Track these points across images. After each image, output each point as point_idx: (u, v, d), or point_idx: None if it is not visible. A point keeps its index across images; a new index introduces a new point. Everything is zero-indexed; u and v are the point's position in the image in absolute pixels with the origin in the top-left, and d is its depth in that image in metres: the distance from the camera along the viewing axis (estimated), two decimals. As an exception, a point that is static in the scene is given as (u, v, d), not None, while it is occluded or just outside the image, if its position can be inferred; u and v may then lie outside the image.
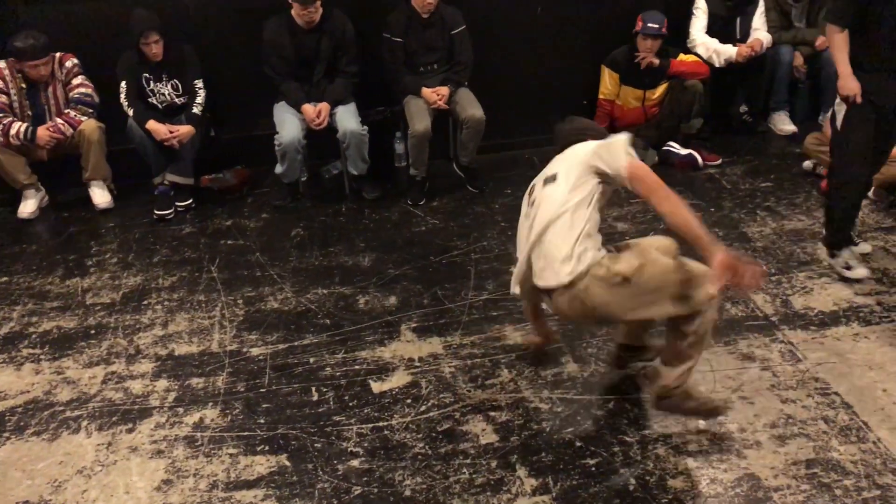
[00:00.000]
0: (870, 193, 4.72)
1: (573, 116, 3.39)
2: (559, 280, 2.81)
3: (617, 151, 2.84)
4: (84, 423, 3.29)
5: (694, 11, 5.59)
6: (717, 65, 5.48)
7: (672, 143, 5.43)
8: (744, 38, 5.59)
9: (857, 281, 3.94)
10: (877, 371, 3.34)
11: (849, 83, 3.73)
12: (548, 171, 3.05)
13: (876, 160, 3.99)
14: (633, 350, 3.33)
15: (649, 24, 5.18)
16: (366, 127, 4.98)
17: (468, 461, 2.98)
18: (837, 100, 3.84)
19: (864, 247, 4.20)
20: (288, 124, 4.90)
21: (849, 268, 3.98)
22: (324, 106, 4.95)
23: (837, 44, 3.77)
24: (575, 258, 2.78)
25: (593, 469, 2.91)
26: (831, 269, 4.05)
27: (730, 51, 5.46)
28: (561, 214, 2.84)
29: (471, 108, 5.01)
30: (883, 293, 3.87)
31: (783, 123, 5.82)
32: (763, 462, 2.90)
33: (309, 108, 4.93)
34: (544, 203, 2.93)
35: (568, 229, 2.82)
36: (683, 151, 5.37)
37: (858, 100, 3.73)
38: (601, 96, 5.49)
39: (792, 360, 3.43)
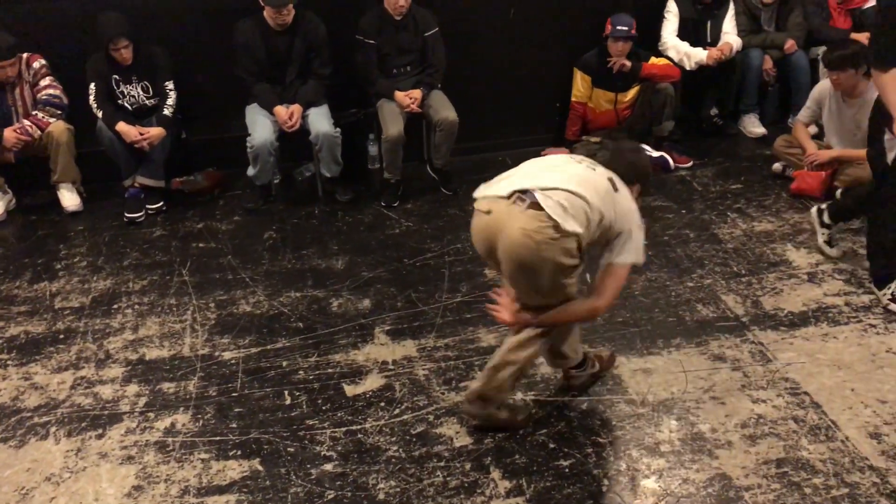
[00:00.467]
0: (837, 194, 4.79)
1: (638, 146, 3.39)
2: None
3: (630, 250, 2.83)
4: (52, 430, 3.25)
5: (665, 15, 5.64)
6: (688, 68, 5.52)
7: (644, 146, 5.45)
8: (714, 41, 5.64)
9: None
10: (845, 371, 3.38)
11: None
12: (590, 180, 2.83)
13: None
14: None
15: (618, 27, 5.21)
16: (338, 129, 4.97)
17: (442, 464, 2.97)
18: (888, 135, 3.64)
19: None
20: (260, 126, 4.87)
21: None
22: (296, 108, 4.92)
23: (891, 86, 3.46)
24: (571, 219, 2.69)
25: (567, 470, 2.92)
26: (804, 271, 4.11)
27: (700, 54, 5.51)
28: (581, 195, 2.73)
29: (444, 110, 5.01)
30: (851, 293, 3.93)
31: (753, 126, 5.89)
32: (734, 462, 2.92)
33: (281, 110, 4.90)
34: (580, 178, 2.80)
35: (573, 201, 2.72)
36: (655, 153, 5.41)
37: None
38: (574, 99, 5.52)
39: (762, 361, 3.47)
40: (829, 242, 4.28)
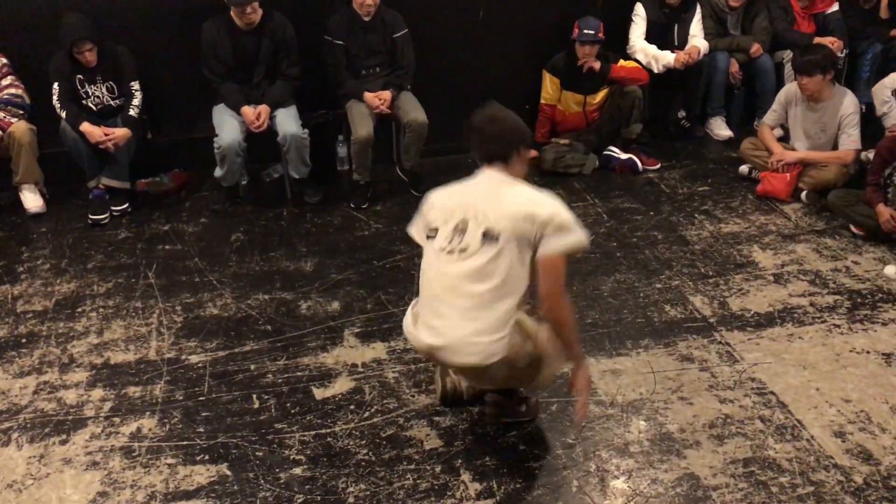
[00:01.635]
0: (802, 196, 4.86)
1: (493, 104, 3.04)
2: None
3: (567, 239, 2.69)
4: (14, 436, 3.18)
5: (633, 18, 5.68)
6: (655, 70, 5.57)
7: (612, 148, 5.50)
8: (681, 44, 5.70)
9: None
10: (810, 370, 3.43)
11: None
12: (481, 210, 2.75)
13: None
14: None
15: (585, 31, 5.24)
16: (306, 130, 4.93)
17: (412, 466, 2.96)
18: None
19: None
20: (227, 127, 4.82)
21: None
22: (263, 108, 4.88)
23: None
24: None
25: (537, 472, 2.92)
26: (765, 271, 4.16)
27: (668, 57, 5.56)
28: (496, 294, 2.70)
29: (413, 111, 5.00)
30: (815, 294, 3.98)
31: (720, 128, 5.95)
32: (702, 461, 2.95)
33: (248, 111, 4.86)
34: (481, 270, 2.71)
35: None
36: (623, 156, 5.45)
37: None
38: (542, 101, 5.53)
39: (729, 361, 3.50)
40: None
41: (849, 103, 4.84)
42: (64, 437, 3.17)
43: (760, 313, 3.84)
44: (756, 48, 5.74)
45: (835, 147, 4.92)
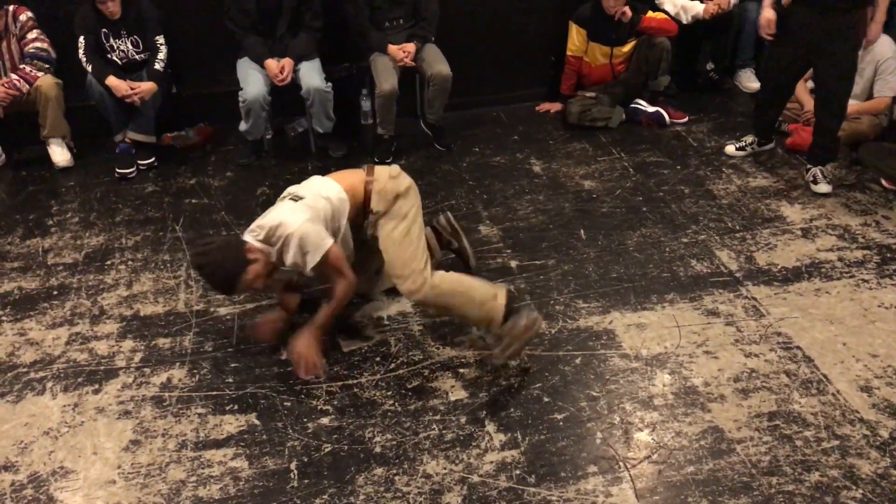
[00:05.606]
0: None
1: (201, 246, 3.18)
2: None
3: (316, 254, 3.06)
4: (49, 385, 3.25)
5: (662, -33, 5.56)
6: (684, 21, 5.46)
7: (639, 101, 5.43)
8: (711, -6, 5.58)
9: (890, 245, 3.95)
10: (837, 325, 3.41)
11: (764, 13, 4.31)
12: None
13: None
14: None
15: None
16: (330, 84, 4.91)
17: (437, 417, 3.00)
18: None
19: None
20: (252, 80, 4.81)
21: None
22: (287, 61, 4.86)
23: None
24: None
25: (561, 424, 2.95)
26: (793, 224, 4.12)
27: (697, 7, 5.45)
28: None
29: (437, 64, 4.95)
30: (844, 249, 3.94)
31: (749, 80, 5.85)
32: (727, 415, 2.96)
33: (272, 64, 4.84)
34: None
35: None
36: (651, 109, 5.38)
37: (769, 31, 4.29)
38: (569, 53, 5.45)
39: (755, 316, 3.49)
40: (814, 181, 4.46)
41: (887, 48, 4.73)
42: (97, 386, 3.24)
43: (788, 268, 3.81)
44: (788, -2, 5.61)
45: (869, 96, 4.83)
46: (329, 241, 3.08)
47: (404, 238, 3.20)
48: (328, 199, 3.20)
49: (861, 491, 2.63)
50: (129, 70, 4.95)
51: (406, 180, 3.36)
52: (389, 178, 3.31)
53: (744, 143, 4.88)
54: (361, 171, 3.37)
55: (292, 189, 3.30)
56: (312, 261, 3.05)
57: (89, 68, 4.82)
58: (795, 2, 4.18)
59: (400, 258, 3.18)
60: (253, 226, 3.14)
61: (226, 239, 3.27)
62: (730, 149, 4.89)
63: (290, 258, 3.04)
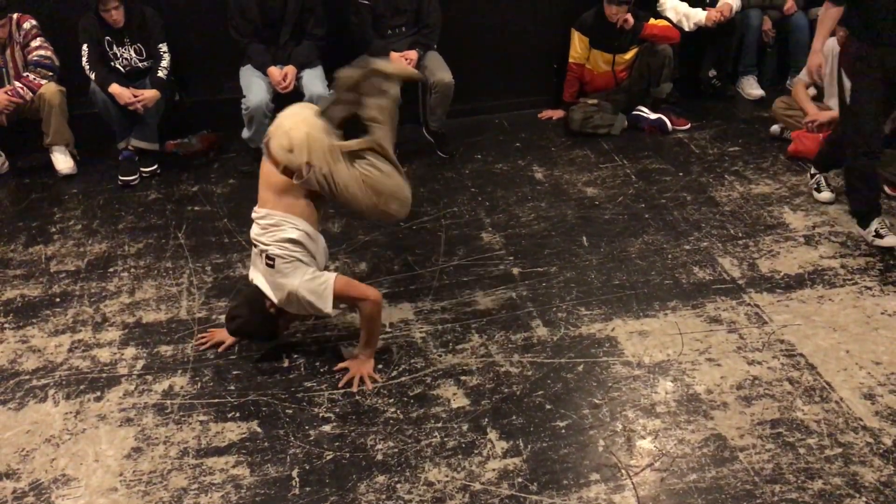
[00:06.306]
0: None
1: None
2: None
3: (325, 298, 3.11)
4: (51, 392, 3.26)
5: (663, -25, 5.57)
6: (686, 29, 5.47)
7: (641, 108, 5.43)
8: (713, 2, 5.58)
9: (890, 249, 3.91)
10: (840, 332, 3.40)
11: (813, 59, 4.03)
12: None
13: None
14: None
15: None
16: (332, 91, 4.90)
17: (439, 425, 2.99)
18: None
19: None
20: (255, 88, 4.82)
21: (880, 236, 3.94)
22: (290, 69, 4.87)
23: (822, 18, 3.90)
24: None
25: (563, 431, 2.94)
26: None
27: (699, 15, 5.45)
28: None
29: (440, 71, 4.96)
30: (847, 256, 3.93)
31: (751, 88, 5.85)
32: (729, 422, 2.95)
33: (275, 71, 4.85)
34: None
35: None
36: (653, 116, 5.38)
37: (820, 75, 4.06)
38: (571, 60, 5.46)
39: (758, 323, 3.48)
40: (817, 189, 4.43)
41: None
42: (98, 393, 3.24)
43: (790, 275, 3.80)
44: (790, 5, 5.62)
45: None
46: (326, 280, 3.10)
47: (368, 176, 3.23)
48: (291, 240, 3.12)
49: (864, 499, 2.62)
50: (133, 78, 4.97)
51: (300, 136, 3.19)
52: (286, 151, 3.21)
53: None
54: (278, 183, 3.31)
55: (256, 249, 3.19)
56: (326, 305, 3.10)
57: (93, 76, 4.83)
58: (860, 38, 3.88)
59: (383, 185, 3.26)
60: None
61: (245, 296, 3.31)
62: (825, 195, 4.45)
63: (306, 312, 3.21)
